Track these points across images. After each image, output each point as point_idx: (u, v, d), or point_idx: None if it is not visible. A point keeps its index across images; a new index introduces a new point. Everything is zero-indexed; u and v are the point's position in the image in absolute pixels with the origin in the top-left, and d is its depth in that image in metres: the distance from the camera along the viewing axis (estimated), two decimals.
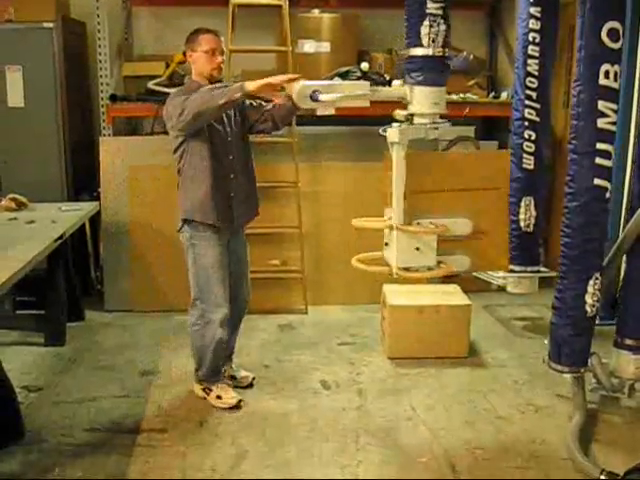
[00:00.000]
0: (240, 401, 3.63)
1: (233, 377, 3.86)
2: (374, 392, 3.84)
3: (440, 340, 4.27)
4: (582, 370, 3.51)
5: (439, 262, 2.97)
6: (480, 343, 4.53)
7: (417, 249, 2.89)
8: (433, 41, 2.90)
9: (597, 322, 3.55)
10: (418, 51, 2.99)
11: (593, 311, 3.43)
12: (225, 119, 3.48)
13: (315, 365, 4.20)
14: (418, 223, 2.87)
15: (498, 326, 4.94)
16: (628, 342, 3.59)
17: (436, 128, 2.99)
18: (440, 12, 2.86)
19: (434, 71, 2.92)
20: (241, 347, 4.36)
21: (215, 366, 3.66)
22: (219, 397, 3.63)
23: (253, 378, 3.90)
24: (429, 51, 2.92)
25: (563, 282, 3.47)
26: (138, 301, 5.11)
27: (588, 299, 3.40)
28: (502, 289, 4.85)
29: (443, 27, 2.89)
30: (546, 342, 4.54)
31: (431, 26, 2.86)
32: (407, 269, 2.96)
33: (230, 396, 3.63)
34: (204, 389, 3.69)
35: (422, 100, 2.98)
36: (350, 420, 3.52)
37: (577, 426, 3.33)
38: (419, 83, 2.94)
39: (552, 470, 3.12)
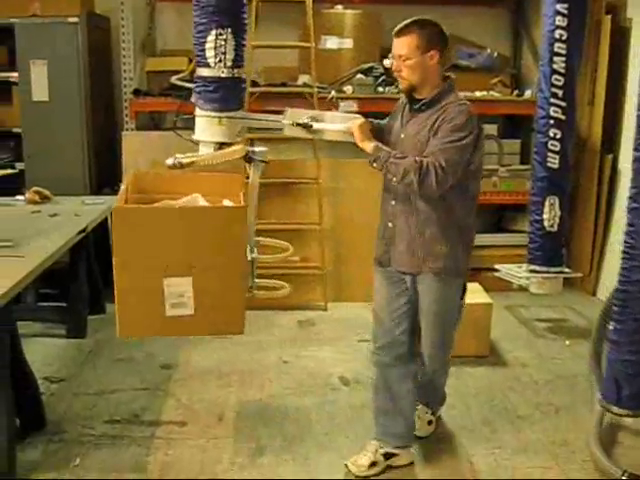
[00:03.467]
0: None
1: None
2: None
3: (461, 339, 4.18)
4: None
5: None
6: (501, 342, 4.50)
7: None
8: None
9: None
10: None
11: None
12: None
13: (334, 361, 4.19)
14: None
15: (520, 326, 4.91)
16: None
17: None
18: None
19: None
20: (260, 342, 4.40)
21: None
22: None
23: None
24: None
25: (624, 311, 2.99)
26: None
27: None
28: (524, 289, 4.82)
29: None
30: (567, 343, 4.57)
31: None
32: None
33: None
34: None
35: None
36: (369, 417, 3.48)
37: (599, 427, 3.29)
38: None
39: (572, 471, 3.09)
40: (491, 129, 5.88)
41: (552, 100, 4.37)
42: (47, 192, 4.61)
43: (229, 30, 2.88)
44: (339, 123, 2.95)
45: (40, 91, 5.16)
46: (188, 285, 2.69)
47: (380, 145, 2.80)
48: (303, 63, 5.41)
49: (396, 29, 2.82)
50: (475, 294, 4.44)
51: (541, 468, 3.11)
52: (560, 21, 4.22)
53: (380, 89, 5.40)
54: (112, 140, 5.66)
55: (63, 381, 3.86)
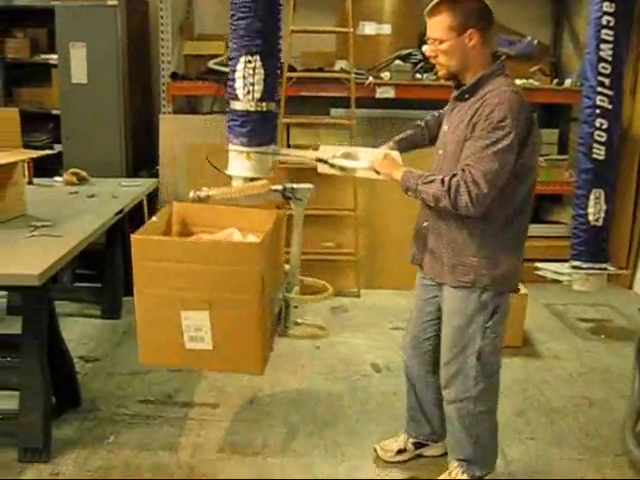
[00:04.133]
0: None
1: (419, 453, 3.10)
2: None
3: None
4: None
5: None
6: (535, 334, 4.46)
7: None
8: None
9: None
10: None
11: None
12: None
13: (367, 348, 4.19)
14: None
15: (554, 318, 4.86)
16: None
17: None
18: None
19: None
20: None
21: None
22: None
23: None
24: None
25: None
26: None
27: None
28: (559, 281, 4.74)
29: None
30: (602, 336, 4.51)
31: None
32: None
33: None
34: None
35: None
36: (401, 404, 3.46)
37: (635, 422, 3.23)
38: None
39: (605, 464, 3.08)
40: None
41: (599, 89, 4.25)
42: (84, 174, 4.65)
43: (258, 57, 2.79)
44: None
45: (79, 73, 5.19)
46: (205, 320, 2.67)
47: (409, 171, 2.55)
48: (341, 48, 5.38)
49: (427, 9, 2.48)
50: None
51: (574, 460, 3.09)
52: (607, 7, 4.10)
53: (418, 76, 5.35)
54: (149, 123, 5.70)
55: (98, 361, 3.91)
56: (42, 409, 2.90)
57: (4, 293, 4.52)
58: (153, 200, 5.34)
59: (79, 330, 4.28)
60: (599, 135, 4.28)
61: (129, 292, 4.76)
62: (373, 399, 3.57)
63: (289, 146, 5.12)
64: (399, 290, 5.07)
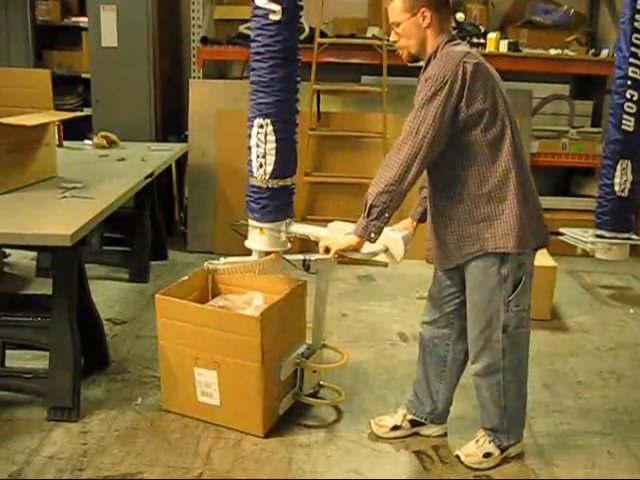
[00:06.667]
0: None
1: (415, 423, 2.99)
2: None
3: None
4: None
5: None
6: (563, 307, 4.43)
7: None
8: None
9: None
10: None
11: None
12: None
13: (393, 317, 4.19)
14: None
15: (582, 292, 4.82)
16: None
17: None
18: None
19: None
20: None
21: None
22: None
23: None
24: None
25: None
26: (220, 244, 5.15)
27: None
28: (588, 255, 4.70)
29: None
30: (632, 311, 4.47)
31: None
32: None
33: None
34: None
35: None
36: None
37: None
38: None
39: (632, 439, 3.03)
40: (562, 89, 5.73)
41: (631, 60, 4.24)
42: (114, 137, 4.66)
43: (269, 121, 2.73)
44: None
45: (109, 37, 5.18)
46: (214, 378, 2.90)
47: (354, 228, 2.58)
48: (373, 15, 5.32)
49: None
50: (539, 256, 4.34)
51: (601, 434, 3.06)
52: None
53: None
54: (179, 88, 5.67)
55: (125, 323, 3.95)
56: (72, 369, 2.93)
57: (33, 255, 4.58)
58: (181, 165, 5.36)
59: (107, 293, 4.31)
60: (629, 107, 4.30)
61: (157, 256, 4.85)
62: (400, 368, 3.55)
63: (319, 112, 5.08)
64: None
